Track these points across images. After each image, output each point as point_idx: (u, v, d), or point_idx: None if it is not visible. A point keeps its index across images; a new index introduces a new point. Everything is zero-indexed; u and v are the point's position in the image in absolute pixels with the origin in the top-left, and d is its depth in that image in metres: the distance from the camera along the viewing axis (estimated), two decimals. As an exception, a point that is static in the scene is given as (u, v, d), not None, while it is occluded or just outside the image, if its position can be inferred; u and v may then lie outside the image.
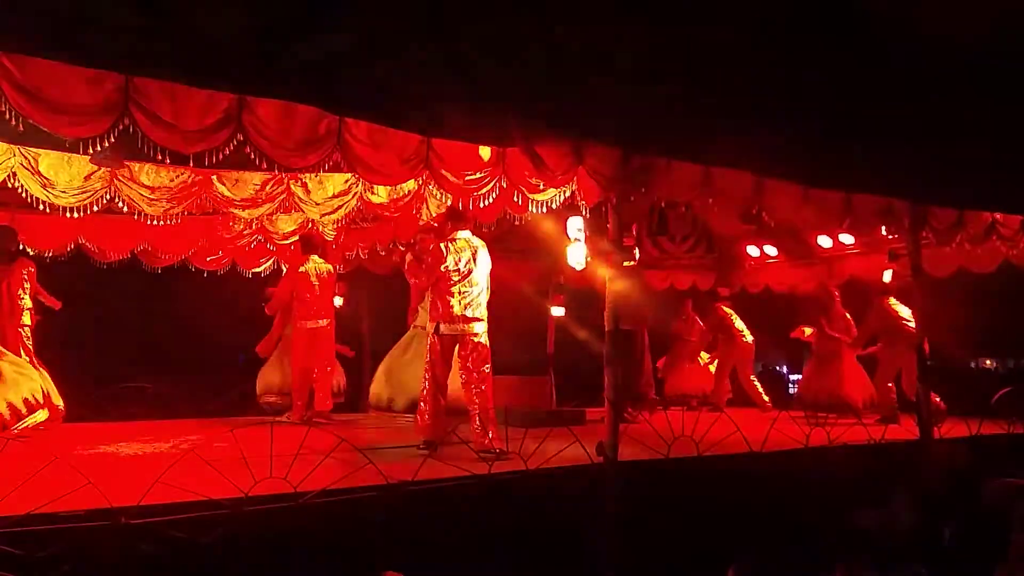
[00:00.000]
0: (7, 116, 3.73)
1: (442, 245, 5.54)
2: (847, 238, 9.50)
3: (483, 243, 5.70)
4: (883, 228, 7.20)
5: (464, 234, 5.64)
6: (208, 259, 8.03)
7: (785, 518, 4.57)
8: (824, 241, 9.84)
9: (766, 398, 9.76)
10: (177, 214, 6.15)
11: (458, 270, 5.48)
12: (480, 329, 5.51)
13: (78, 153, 4.97)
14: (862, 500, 3.71)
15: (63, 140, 4.48)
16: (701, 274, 11.29)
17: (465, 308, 5.46)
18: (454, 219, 5.65)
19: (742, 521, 4.69)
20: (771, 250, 10.75)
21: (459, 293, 5.46)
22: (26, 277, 6.95)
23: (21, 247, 7.08)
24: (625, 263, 5.76)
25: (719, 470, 5.28)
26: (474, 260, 5.55)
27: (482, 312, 5.55)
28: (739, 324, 9.99)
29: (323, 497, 3.82)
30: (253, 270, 8.40)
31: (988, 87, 6.19)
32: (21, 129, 4.18)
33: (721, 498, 4.93)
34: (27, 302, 6.90)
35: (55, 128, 3.81)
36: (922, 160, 5.91)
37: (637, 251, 8.53)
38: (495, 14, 4.26)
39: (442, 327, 5.49)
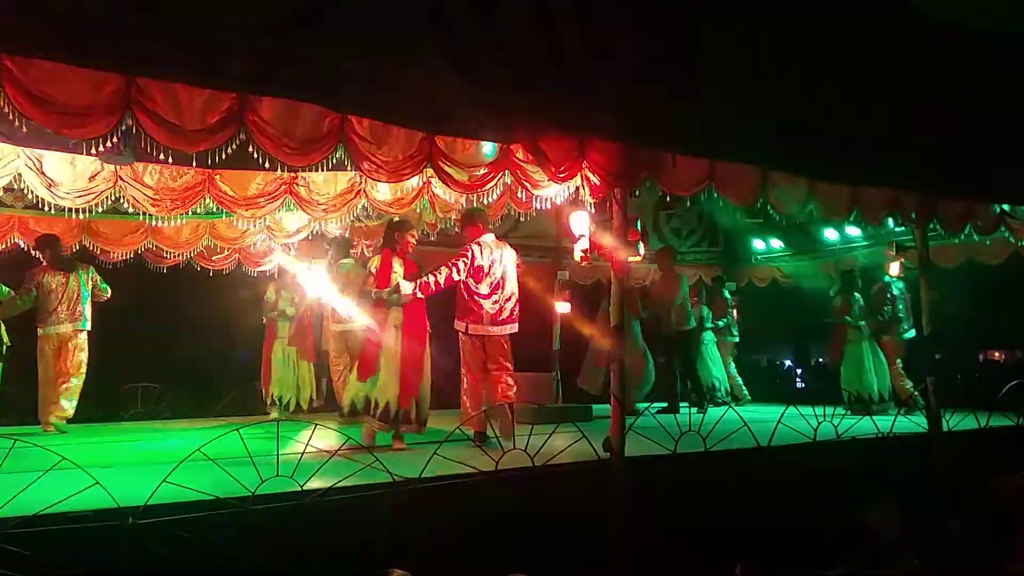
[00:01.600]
0: (11, 117, 3.74)
1: (474, 246, 5.73)
2: (854, 230, 9.47)
3: (508, 247, 5.96)
4: (890, 220, 7.14)
5: (488, 238, 5.86)
6: (214, 258, 8.03)
7: (793, 513, 4.55)
8: (831, 234, 9.81)
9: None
10: (182, 214, 6.15)
11: (489, 273, 5.72)
12: (508, 330, 5.77)
13: (82, 154, 4.97)
14: (869, 494, 3.69)
15: (67, 141, 4.47)
16: (707, 268, 11.26)
17: (496, 312, 5.71)
18: (472, 222, 5.87)
19: (750, 517, 4.68)
20: (777, 243, 10.72)
21: (490, 297, 5.71)
22: (88, 283, 6.99)
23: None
24: (631, 258, 5.75)
25: (726, 465, 5.27)
26: (500, 263, 5.80)
27: (508, 314, 5.79)
28: None
29: (329, 496, 3.83)
30: (259, 269, 8.40)
31: (995, 75, 6.15)
32: (25, 130, 4.21)
33: (729, 493, 4.91)
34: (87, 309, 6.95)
35: (58, 129, 3.81)
36: (929, 151, 5.87)
37: (642, 246, 8.51)
38: (496, 10, 4.25)
39: (471, 328, 5.72)
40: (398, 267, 5.65)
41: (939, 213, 6.53)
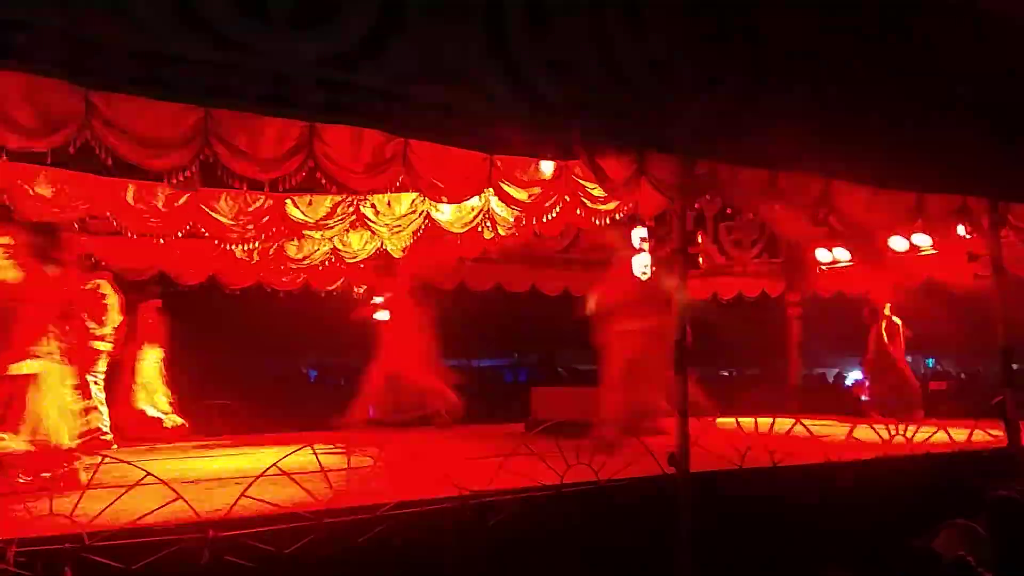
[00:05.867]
0: (97, 151, 3.98)
1: None
2: (923, 239, 9.20)
3: None
4: (961, 227, 6.94)
5: None
6: (283, 280, 8.27)
7: (862, 532, 4.45)
8: (898, 243, 9.55)
9: None
10: (255, 237, 6.38)
11: None
12: None
13: (161, 182, 5.21)
14: (944, 511, 3.59)
15: (148, 171, 4.70)
16: (770, 280, 11.07)
17: None
18: None
19: (819, 534, 4.59)
20: (843, 253, 10.48)
21: None
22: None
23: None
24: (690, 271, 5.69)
25: (794, 480, 5.18)
26: None
27: None
28: None
29: (399, 509, 3.92)
30: (327, 288, 8.62)
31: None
32: (110, 162, 4.46)
33: (798, 510, 4.83)
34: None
35: (141, 161, 4.02)
36: (998, 155, 5.71)
37: (702, 259, 8.45)
38: (553, 29, 4.31)
39: None
40: None
41: (1011, 219, 6.33)
